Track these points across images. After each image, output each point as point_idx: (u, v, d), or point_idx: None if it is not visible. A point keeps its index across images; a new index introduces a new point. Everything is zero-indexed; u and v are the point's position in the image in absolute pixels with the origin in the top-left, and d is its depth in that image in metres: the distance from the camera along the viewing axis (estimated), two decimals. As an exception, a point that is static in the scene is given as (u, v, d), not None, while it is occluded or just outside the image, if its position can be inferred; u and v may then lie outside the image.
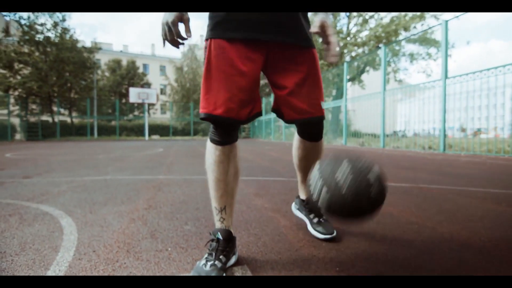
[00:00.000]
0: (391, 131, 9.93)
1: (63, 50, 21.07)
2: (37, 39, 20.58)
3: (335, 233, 1.32)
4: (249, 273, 1.00)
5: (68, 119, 23.84)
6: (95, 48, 23.49)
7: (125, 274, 1.00)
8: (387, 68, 11.06)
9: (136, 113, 28.25)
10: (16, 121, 20.87)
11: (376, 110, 9.01)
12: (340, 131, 11.80)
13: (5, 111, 19.27)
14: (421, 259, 1.11)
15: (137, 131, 24.37)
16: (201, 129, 25.28)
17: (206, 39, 1.08)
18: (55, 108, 22.33)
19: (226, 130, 1.08)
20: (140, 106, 26.52)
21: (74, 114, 24.26)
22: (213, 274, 0.93)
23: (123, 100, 27.21)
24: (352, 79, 16.03)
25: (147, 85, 30.55)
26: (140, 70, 32.28)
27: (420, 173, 3.48)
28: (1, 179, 3.08)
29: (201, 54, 28.84)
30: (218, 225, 1.11)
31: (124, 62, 31.08)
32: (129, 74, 30.01)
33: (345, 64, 10.97)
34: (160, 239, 1.33)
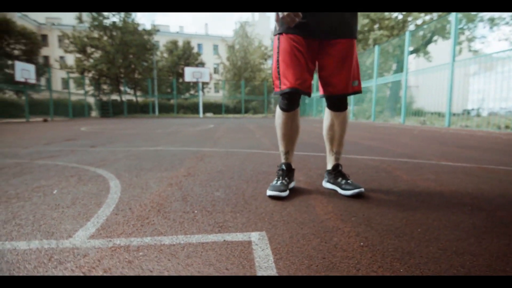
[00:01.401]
0: (460, 110, 8.75)
1: (126, 33, 22.76)
2: (104, 24, 22.51)
3: (362, 189, 1.46)
4: (265, 240, 0.99)
5: (134, 98, 26.11)
6: (154, 30, 24.83)
7: (150, 230, 1.08)
8: (459, 37, 9.61)
9: (192, 92, 29.65)
10: (91, 100, 23.59)
11: (443, 86, 8.00)
12: (399, 109, 10.82)
13: (82, 91, 21.87)
14: (467, 242, 0.97)
15: (193, 109, 25.66)
16: (252, 107, 25.56)
17: (275, 34, 1.51)
18: (122, 88, 24.62)
19: (292, 100, 1.51)
20: (195, 85, 27.70)
21: (138, 93, 26.44)
22: (282, 188, 1.46)
23: (180, 80, 28.67)
24: (416, 51, 14.36)
25: (201, 64, 31.59)
26: (195, 50, 33.40)
27: (488, 154, 3.03)
28: (73, 147, 3.53)
29: (251, 31, 28.56)
30: (283, 160, 1.65)
31: (180, 43, 32.43)
32: (185, 54, 31.29)
33: (407, 34, 9.82)
34: (190, 202, 1.39)
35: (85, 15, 22.80)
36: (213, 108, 25.83)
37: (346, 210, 1.28)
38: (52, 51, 36.09)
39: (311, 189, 1.63)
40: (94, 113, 23.51)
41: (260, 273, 0.78)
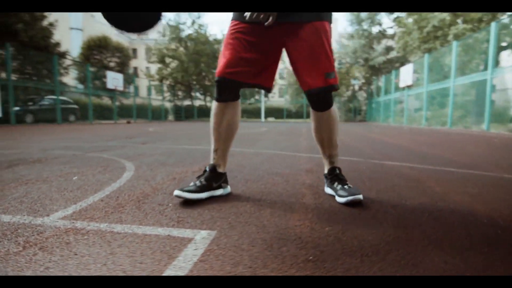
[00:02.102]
0: None
1: (199, 44, 24.70)
2: (180, 36, 24.86)
3: (359, 196, 1.26)
4: (208, 240, 0.92)
5: (204, 103, 28.10)
6: (219, 40, 26.46)
7: (114, 217, 1.10)
8: None
9: (257, 97, 30.50)
10: (168, 105, 26.24)
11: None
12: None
13: (161, 97, 24.50)
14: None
15: (256, 113, 26.34)
16: (315, 112, 24.91)
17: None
18: (193, 94, 26.75)
19: (222, 89, 1.35)
20: (259, 90, 28.36)
21: (208, 98, 28.36)
22: (190, 188, 1.28)
23: (245, 86, 29.68)
24: (510, 46, 12.03)
25: (267, 70, 32.16)
26: (261, 56, 34.24)
27: None
28: (126, 144, 3.95)
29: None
30: (211, 160, 1.44)
31: (247, 50, 33.68)
32: (251, 61, 32.35)
33: (492, 25, 8.28)
34: (174, 196, 1.40)
35: (165, 29, 25.54)
36: (275, 112, 26.07)
37: (327, 219, 1.11)
38: (140, 62, 41.44)
39: (310, 193, 1.47)
40: (170, 117, 26.06)
41: (166, 272, 0.71)
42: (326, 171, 1.48)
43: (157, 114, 23.04)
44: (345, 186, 1.33)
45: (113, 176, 1.83)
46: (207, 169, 1.39)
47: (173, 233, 0.96)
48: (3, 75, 11.67)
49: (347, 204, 1.25)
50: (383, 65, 21.24)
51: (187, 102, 27.41)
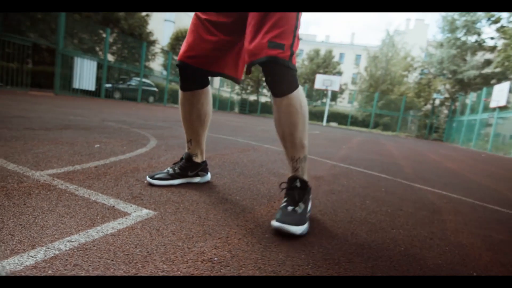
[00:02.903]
0: None
1: (272, 41, 25.02)
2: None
3: (291, 227, 0.93)
4: (140, 218, 0.93)
5: (269, 100, 28.52)
6: (297, 38, 26.31)
7: (86, 183, 1.20)
8: None
9: (324, 100, 29.63)
10: (236, 98, 27.37)
11: None
12: None
13: (229, 90, 25.70)
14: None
15: (319, 116, 25.59)
16: (383, 123, 23.03)
17: None
18: (261, 90, 27.34)
19: (184, 75, 1.27)
20: (326, 92, 27.48)
21: (273, 96, 28.65)
22: (160, 176, 1.29)
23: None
24: None
25: (339, 73, 31.02)
26: (335, 59, 33.12)
27: None
28: (172, 125, 4.25)
29: (400, 39, 25.66)
30: (185, 150, 1.42)
31: (322, 52, 32.91)
32: (324, 63, 31.52)
33: None
34: (156, 175, 1.46)
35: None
36: (339, 118, 24.93)
37: (265, 230, 1.02)
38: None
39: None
40: (236, 109, 27.17)
41: (73, 236, 0.75)
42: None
43: (224, 105, 24.22)
44: (289, 208, 1.01)
45: (128, 150, 2.00)
46: (183, 156, 1.38)
47: (118, 206, 1.00)
48: (101, 55, 13.70)
49: (276, 230, 0.96)
50: (474, 80, 18.38)
51: (253, 97, 28.16)
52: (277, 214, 1.00)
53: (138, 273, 0.64)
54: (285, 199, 1.07)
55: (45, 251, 0.68)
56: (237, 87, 27.24)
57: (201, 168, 1.41)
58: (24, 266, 0.61)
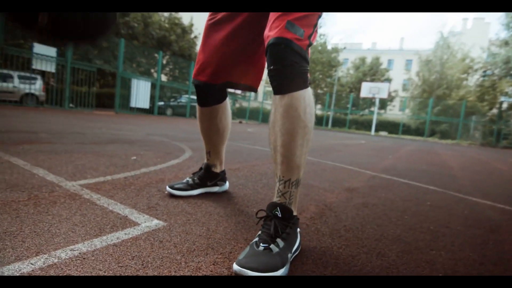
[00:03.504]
0: None
1: (315, 52, 24.81)
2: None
3: (249, 272, 0.67)
4: (150, 229, 0.93)
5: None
6: (341, 48, 25.83)
7: (110, 194, 1.25)
8: None
9: (372, 108, 28.26)
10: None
11: None
12: None
13: (260, 100, 26.00)
14: None
15: (367, 125, 24.37)
16: (440, 130, 20.98)
17: None
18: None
19: (199, 93, 1.28)
20: (374, 100, 26.17)
21: (318, 106, 28.21)
22: (180, 186, 1.28)
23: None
24: None
25: (388, 80, 29.42)
26: (383, 66, 31.57)
27: None
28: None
29: (455, 41, 23.46)
30: (205, 160, 1.42)
31: (369, 59, 31.66)
32: (371, 70, 30.23)
33: None
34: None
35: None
36: (389, 127, 23.38)
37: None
38: (261, 69, 44.92)
39: (307, 217, 1.27)
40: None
41: (78, 243, 0.77)
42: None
43: (267, 117, 24.47)
44: (261, 246, 0.76)
45: (161, 161, 2.07)
46: (202, 166, 1.39)
47: (131, 216, 1.01)
48: (155, 75, 14.92)
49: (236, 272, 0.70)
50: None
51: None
52: (243, 252, 0.76)
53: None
54: (258, 233, 0.83)
55: (46, 259, 0.69)
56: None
57: (220, 178, 1.39)
58: (21, 273, 0.63)
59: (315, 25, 0.88)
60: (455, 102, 20.57)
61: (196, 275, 0.69)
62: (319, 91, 27.41)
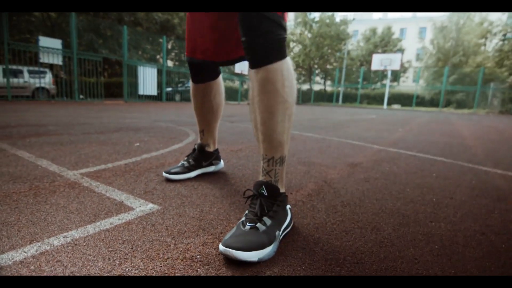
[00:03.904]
0: None
1: (322, 26, 23.93)
2: (306, 20, 24.73)
3: (236, 252, 0.67)
4: (144, 212, 0.94)
5: (323, 87, 27.56)
6: (345, 21, 24.79)
7: (111, 182, 1.27)
8: None
9: (384, 81, 27.41)
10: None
11: None
12: None
13: (280, 81, 25.57)
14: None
15: (379, 99, 23.75)
16: (456, 100, 20.21)
17: None
18: (313, 78, 26.56)
19: (193, 69, 1.25)
20: (386, 72, 25.30)
21: (328, 83, 27.60)
22: (177, 170, 1.28)
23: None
24: None
25: (400, 51, 28.23)
26: (395, 36, 30.22)
27: None
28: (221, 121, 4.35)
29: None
30: (198, 140, 1.41)
31: (380, 30, 30.33)
32: (383, 41, 29.03)
33: None
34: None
35: (292, 14, 25.94)
36: (402, 99, 22.68)
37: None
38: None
39: (306, 195, 1.26)
40: (288, 100, 26.87)
41: (72, 230, 0.78)
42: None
43: (276, 97, 24.19)
44: (247, 225, 0.75)
45: (164, 146, 2.08)
46: (195, 147, 1.38)
47: (127, 201, 1.03)
48: (161, 61, 14.85)
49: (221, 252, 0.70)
50: None
51: (306, 86, 27.50)
52: (230, 232, 0.75)
53: (112, 271, 0.63)
54: (245, 212, 0.81)
55: (39, 246, 0.71)
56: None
57: (214, 157, 1.39)
58: (13, 262, 0.65)
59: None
60: (472, 69, 19.63)
61: (183, 256, 0.70)
62: (328, 66, 26.70)
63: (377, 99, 24.14)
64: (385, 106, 19.43)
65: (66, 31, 10.23)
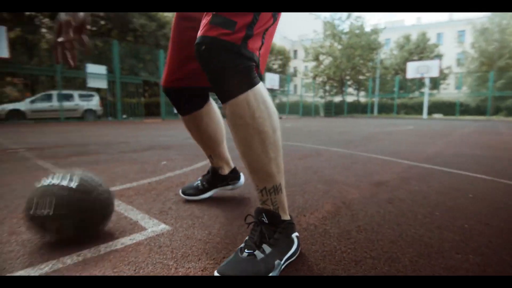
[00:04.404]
0: None
1: (353, 36, 23.58)
2: (334, 32, 24.57)
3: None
4: (155, 233, 0.96)
5: (356, 98, 26.83)
6: (376, 30, 24.20)
7: (149, 194, 1.33)
8: None
9: (422, 89, 26.01)
10: (320, 101, 26.79)
11: None
12: None
13: (312, 94, 25.36)
14: None
15: (418, 108, 22.51)
16: (506, 107, 18.43)
17: None
18: (345, 90, 26.01)
19: (173, 101, 1.19)
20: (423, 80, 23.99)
21: (361, 93, 26.83)
22: (190, 191, 1.31)
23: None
24: None
25: (438, 57, 26.74)
26: (432, 41, 28.80)
27: None
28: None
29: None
30: (210, 164, 1.36)
31: (414, 36, 29.14)
32: (418, 48, 27.79)
33: None
34: (196, 189, 1.50)
35: (320, 27, 25.94)
36: (444, 108, 21.26)
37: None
38: (299, 62, 44.11)
39: (320, 218, 1.21)
40: (322, 113, 26.53)
41: (88, 252, 0.83)
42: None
43: (308, 110, 23.97)
44: (245, 252, 0.73)
45: (188, 164, 2.15)
46: (209, 170, 1.35)
47: (141, 221, 1.07)
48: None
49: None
50: None
51: (338, 98, 26.99)
52: (227, 258, 0.74)
53: (113, 293, 0.65)
54: (246, 239, 0.79)
55: (53, 264, 0.76)
56: (320, 90, 26.59)
57: (230, 179, 1.37)
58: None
59: (259, 13, 0.72)
60: (523, 72, 17.92)
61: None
62: (360, 77, 26.04)
63: (415, 109, 22.92)
64: (425, 115, 18.34)
65: (109, 58, 11.21)
